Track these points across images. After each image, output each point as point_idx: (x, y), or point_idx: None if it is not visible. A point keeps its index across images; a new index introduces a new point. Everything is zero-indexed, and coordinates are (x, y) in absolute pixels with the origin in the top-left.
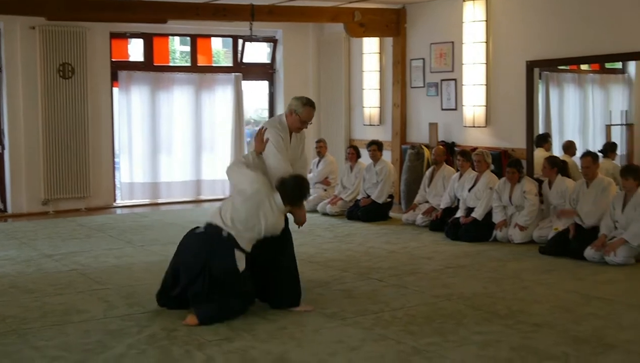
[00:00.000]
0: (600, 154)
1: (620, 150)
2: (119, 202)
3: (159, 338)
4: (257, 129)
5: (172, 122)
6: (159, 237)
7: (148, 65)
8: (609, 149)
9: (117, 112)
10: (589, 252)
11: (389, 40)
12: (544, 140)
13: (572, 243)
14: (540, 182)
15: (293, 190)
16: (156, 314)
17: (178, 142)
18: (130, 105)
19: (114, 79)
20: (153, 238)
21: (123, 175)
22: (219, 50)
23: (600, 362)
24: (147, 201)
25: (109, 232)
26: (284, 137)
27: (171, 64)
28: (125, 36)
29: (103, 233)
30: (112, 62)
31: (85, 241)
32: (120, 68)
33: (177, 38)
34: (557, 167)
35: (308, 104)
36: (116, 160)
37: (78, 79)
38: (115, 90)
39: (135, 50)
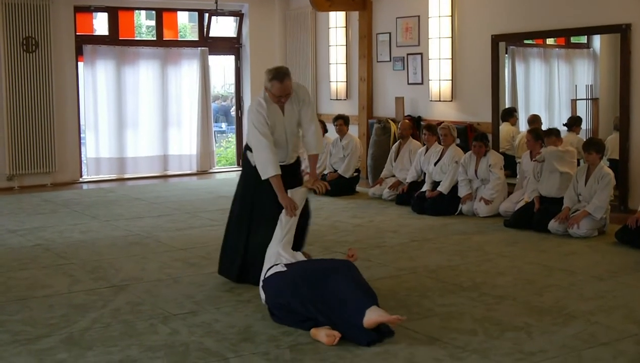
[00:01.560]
0: (565, 128)
1: (585, 125)
2: (85, 177)
3: (124, 312)
4: (224, 103)
5: (138, 96)
6: (124, 212)
7: (113, 39)
8: (574, 123)
9: (82, 87)
10: (552, 224)
11: (355, 15)
12: (510, 114)
13: (536, 216)
14: (506, 156)
15: None
16: (120, 289)
17: (144, 116)
18: (95, 80)
19: (79, 53)
20: (119, 214)
21: (89, 150)
22: (185, 24)
23: (561, 332)
24: (113, 176)
25: (75, 208)
26: (268, 113)
27: (137, 38)
28: (90, 10)
29: (68, 208)
30: (76, 36)
31: (50, 216)
32: (85, 42)
33: (142, 12)
34: (542, 139)
35: (275, 78)
36: (82, 135)
37: (42, 53)
38: (80, 64)
39: (100, 24)
